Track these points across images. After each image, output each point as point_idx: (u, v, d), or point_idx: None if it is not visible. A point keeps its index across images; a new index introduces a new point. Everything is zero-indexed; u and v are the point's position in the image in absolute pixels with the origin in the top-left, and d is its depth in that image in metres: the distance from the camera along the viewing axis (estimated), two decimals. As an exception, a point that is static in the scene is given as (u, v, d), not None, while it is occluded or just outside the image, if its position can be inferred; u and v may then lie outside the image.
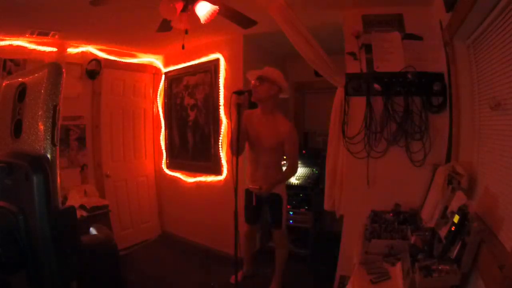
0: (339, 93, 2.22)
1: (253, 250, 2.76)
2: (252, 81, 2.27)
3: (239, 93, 2.09)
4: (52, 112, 0.82)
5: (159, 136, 3.76)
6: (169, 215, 3.80)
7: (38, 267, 0.79)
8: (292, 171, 2.35)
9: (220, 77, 3.07)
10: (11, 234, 0.78)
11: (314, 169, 3.24)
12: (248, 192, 2.41)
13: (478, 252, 1.08)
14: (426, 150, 1.98)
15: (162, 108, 3.73)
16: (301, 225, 3.04)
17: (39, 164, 0.78)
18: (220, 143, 3.10)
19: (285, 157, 2.41)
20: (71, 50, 2.95)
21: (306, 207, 3.02)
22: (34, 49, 2.69)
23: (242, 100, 2.09)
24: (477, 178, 1.45)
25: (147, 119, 3.73)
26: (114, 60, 3.29)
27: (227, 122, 3.02)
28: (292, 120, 3.91)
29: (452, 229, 1.15)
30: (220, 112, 3.08)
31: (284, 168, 2.43)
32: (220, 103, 3.08)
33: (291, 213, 3.06)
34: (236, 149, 2.05)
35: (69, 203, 2.68)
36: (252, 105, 2.31)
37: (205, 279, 2.68)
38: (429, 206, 1.62)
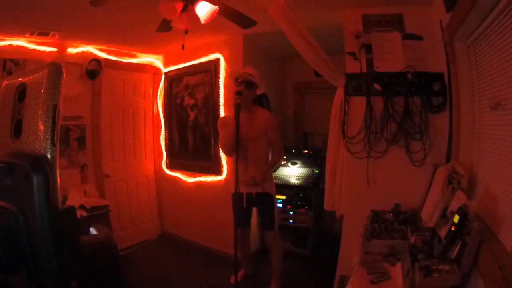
0: (339, 93, 2.22)
1: (249, 252, 2.75)
2: (236, 86, 2.26)
3: (239, 93, 2.13)
4: (52, 112, 0.82)
5: (159, 136, 3.76)
6: (169, 215, 3.80)
7: (38, 267, 0.79)
8: (279, 156, 2.40)
9: (220, 77, 3.07)
10: (11, 234, 0.78)
11: (314, 169, 3.24)
12: (236, 196, 2.33)
13: (478, 252, 1.08)
14: (426, 150, 1.98)
15: (162, 108, 3.73)
16: (301, 225, 3.04)
17: (39, 164, 0.78)
18: (220, 144, 3.10)
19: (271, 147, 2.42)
20: (71, 50, 2.95)
21: (306, 207, 3.02)
22: (34, 49, 2.69)
23: (242, 100, 2.14)
24: (477, 178, 1.45)
25: (147, 119, 3.73)
26: (114, 60, 3.29)
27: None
28: (292, 120, 3.92)
29: (452, 229, 1.14)
30: (220, 112, 3.08)
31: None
32: (220, 103, 3.08)
33: (291, 213, 3.06)
34: (230, 148, 2.11)
35: (69, 203, 2.68)
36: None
37: (205, 279, 2.68)
38: (429, 206, 1.62)
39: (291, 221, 3.06)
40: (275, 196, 2.40)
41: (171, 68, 3.58)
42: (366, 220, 1.81)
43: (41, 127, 0.82)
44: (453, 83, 1.69)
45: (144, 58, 3.59)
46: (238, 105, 2.13)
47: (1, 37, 2.52)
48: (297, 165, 3.34)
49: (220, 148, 3.09)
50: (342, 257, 2.25)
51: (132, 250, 3.37)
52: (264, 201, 2.32)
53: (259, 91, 2.38)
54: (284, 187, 3.07)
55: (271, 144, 2.36)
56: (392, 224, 1.71)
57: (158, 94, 3.73)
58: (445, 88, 1.89)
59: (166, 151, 3.70)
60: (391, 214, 1.83)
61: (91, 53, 3.09)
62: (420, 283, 1.08)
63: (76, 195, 2.81)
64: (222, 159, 3.10)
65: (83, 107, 3.09)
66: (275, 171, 3.17)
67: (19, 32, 2.49)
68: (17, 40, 2.60)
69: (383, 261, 1.51)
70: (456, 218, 1.14)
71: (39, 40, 2.68)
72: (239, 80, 2.23)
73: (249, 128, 2.27)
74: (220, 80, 3.07)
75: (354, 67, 2.15)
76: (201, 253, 3.26)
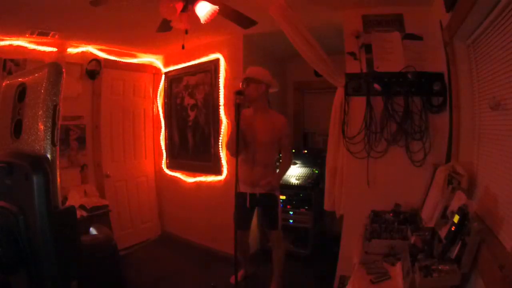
0: (339, 93, 2.22)
1: (249, 253, 2.75)
2: (239, 84, 2.27)
3: (239, 93, 2.12)
4: (52, 112, 0.82)
5: (159, 136, 3.76)
6: (169, 215, 3.80)
7: (38, 267, 0.79)
8: (290, 163, 2.42)
9: (220, 77, 3.07)
10: (11, 234, 0.78)
11: (314, 169, 3.24)
12: (239, 196, 2.26)
13: (478, 252, 1.08)
14: (426, 150, 1.98)
15: (162, 108, 3.73)
16: (301, 225, 3.04)
17: (39, 164, 0.78)
18: (220, 143, 3.10)
19: (280, 152, 2.40)
20: (71, 50, 2.94)
21: (306, 207, 3.02)
22: (34, 49, 2.69)
23: (242, 100, 2.13)
24: (477, 178, 1.45)
25: (147, 119, 3.73)
26: (114, 60, 3.29)
27: (227, 122, 3.02)
28: (292, 120, 3.92)
29: (452, 229, 1.14)
30: (220, 112, 3.08)
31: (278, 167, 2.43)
32: (220, 103, 3.08)
33: (291, 213, 3.06)
34: (234, 148, 2.08)
35: (69, 203, 2.68)
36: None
37: (205, 279, 2.68)
38: (429, 206, 1.62)
39: (291, 221, 3.05)
40: (279, 196, 2.39)
41: (171, 68, 3.58)
42: (366, 220, 1.81)
43: (41, 127, 0.82)
44: (453, 83, 1.69)
45: (144, 58, 3.59)
46: (237, 105, 2.12)
47: (1, 37, 2.52)
48: (297, 165, 3.34)
49: (220, 148, 3.09)
50: (342, 257, 2.25)
51: (132, 250, 3.37)
52: (268, 201, 2.31)
53: (273, 89, 2.33)
54: (284, 187, 3.06)
55: (282, 150, 2.34)
56: (392, 224, 1.71)
57: (158, 94, 3.73)
58: (445, 88, 1.89)
59: (166, 151, 3.70)
60: (391, 214, 1.83)
61: (91, 53, 3.09)
62: (420, 283, 1.08)
63: (76, 195, 2.81)
64: (222, 159, 3.10)
65: (83, 107, 3.08)
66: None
67: (19, 32, 2.49)
68: (17, 40, 2.60)
69: (383, 261, 1.51)
70: (456, 218, 1.14)
71: (39, 40, 2.68)
72: (242, 82, 2.23)
73: (263, 132, 2.24)
74: (220, 80, 3.07)
75: (354, 67, 2.15)
76: (201, 253, 3.26)
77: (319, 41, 2.11)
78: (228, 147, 2.34)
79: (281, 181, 3.01)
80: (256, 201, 2.32)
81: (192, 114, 3.38)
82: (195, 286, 2.67)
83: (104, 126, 3.25)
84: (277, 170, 2.42)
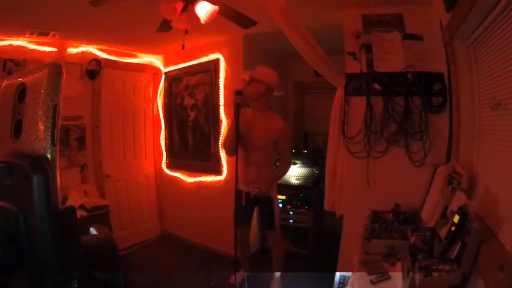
0: (339, 93, 2.22)
1: (249, 252, 2.74)
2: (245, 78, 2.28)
3: (239, 93, 2.12)
4: (52, 112, 0.82)
5: (159, 136, 3.76)
6: (169, 215, 3.80)
7: (38, 267, 0.79)
8: (287, 167, 2.35)
9: (220, 77, 3.07)
10: (11, 234, 0.78)
11: (314, 169, 3.24)
12: (238, 193, 2.27)
13: (478, 252, 1.08)
14: (426, 150, 1.98)
15: (162, 108, 3.73)
16: (301, 225, 3.04)
17: (39, 164, 0.78)
18: (220, 143, 3.10)
19: (279, 155, 2.37)
20: (71, 50, 2.94)
21: (306, 207, 3.02)
22: (34, 49, 2.69)
23: (242, 100, 2.12)
24: (477, 178, 1.45)
25: (147, 119, 3.73)
26: (114, 60, 3.29)
27: (227, 122, 3.02)
28: (292, 120, 3.92)
29: (452, 229, 1.15)
30: (220, 112, 3.08)
31: (276, 168, 2.41)
32: (220, 103, 3.08)
33: (291, 213, 3.06)
34: (230, 147, 2.07)
35: (69, 203, 2.68)
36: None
37: (205, 279, 2.68)
38: (429, 206, 1.62)
39: (291, 221, 3.06)
40: (276, 198, 2.36)
41: (171, 68, 3.58)
42: (366, 220, 1.81)
43: (41, 127, 0.82)
44: (453, 83, 1.69)
45: (144, 58, 3.58)
46: (237, 105, 2.12)
47: (1, 37, 2.52)
48: (297, 165, 3.34)
49: (220, 148, 3.09)
50: (342, 257, 2.25)
51: (132, 250, 3.37)
52: (263, 202, 2.31)
53: (278, 93, 2.30)
54: (284, 187, 3.07)
55: (280, 153, 2.31)
56: (392, 224, 1.71)
57: (158, 94, 3.73)
58: (445, 88, 1.89)
59: (166, 151, 3.70)
60: (391, 214, 1.83)
61: (91, 53, 3.09)
62: (420, 283, 1.08)
63: (76, 195, 2.81)
64: (222, 159, 3.10)
65: (83, 107, 3.09)
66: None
67: (19, 32, 2.49)
68: (17, 40, 2.60)
69: (383, 261, 1.51)
70: (456, 218, 1.14)
71: (39, 40, 2.67)
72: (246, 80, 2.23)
73: (260, 133, 2.21)
74: (220, 80, 3.07)
75: (354, 67, 2.15)
76: (201, 253, 3.26)
77: (319, 41, 2.11)
78: (224, 146, 2.34)
79: (279, 181, 3.02)
80: (252, 201, 2.32)
81: (192, 114, 3.38)
82: (195, 286, 2.66)
83: (104, 126, 3.25)
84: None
